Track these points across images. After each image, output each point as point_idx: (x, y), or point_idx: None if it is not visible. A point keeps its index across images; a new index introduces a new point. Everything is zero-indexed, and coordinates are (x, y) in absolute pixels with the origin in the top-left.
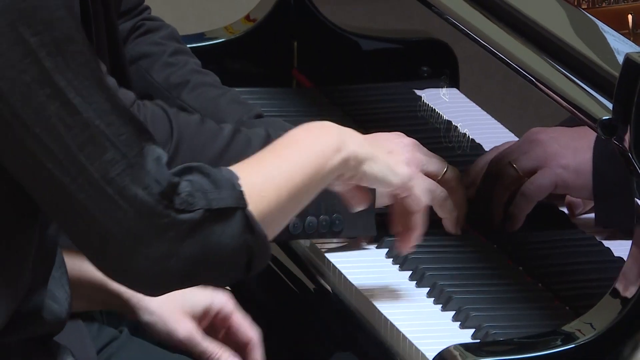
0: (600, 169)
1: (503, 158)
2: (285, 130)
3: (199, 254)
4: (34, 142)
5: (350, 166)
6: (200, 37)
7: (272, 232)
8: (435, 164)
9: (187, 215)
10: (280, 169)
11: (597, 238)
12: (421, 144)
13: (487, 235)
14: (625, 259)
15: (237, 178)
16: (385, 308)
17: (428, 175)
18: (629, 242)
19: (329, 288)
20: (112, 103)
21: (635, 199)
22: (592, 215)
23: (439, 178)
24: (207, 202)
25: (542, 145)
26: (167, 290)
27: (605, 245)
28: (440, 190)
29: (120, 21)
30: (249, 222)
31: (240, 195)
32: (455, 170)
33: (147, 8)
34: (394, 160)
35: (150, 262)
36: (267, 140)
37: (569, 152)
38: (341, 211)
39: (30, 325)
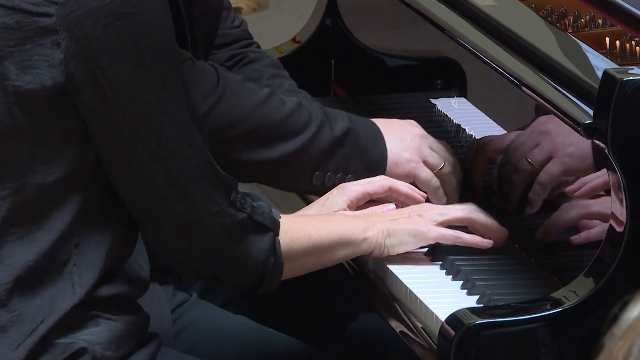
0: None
1: (518, 151)
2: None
3: (230, 251)
4: (132, 134)
5: (378, 243)
6: None
7: (289, 269)
8: (435, 158)
9: (234, 211)
10: (314, 226)
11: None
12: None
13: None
14: (602, 240)
15: (279, 216)
16: (406, 278)
17: (428, 166)
18: (606, 225)
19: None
20: (191, 112)
21: (614, 195)
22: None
23: (436, 171)
24: (252, 211)
25: (550, 136)
26: (189, 271)
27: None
28: (434, 181)
29: (223, 49)
30: (275, 247)
31: (276, 224)
32: (451, 167)
33: (254, 43)
34: (410, 226)
35: (193, 242)
36: (299, 105)
37: (573, 140)
38: (355, 173)
39: (121, 286)
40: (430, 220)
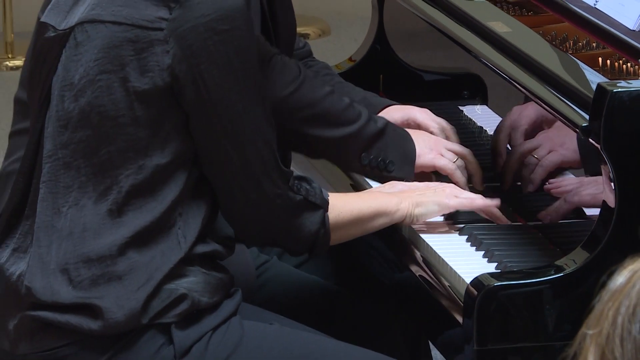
0: (582, 146)
1: (526, 149)
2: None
3: (288, 225)
4: (219, 125)
5: (409, 213)
6: None
7: (335, 237)
8: (449, 155)
9: (292, 194)
10: (356, 203)
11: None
12: (462, 141)
13: (507, 201)
14: (595, 219)
15: (327, 195)
16: (439, 248)
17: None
18: (598, 209)
19: (404, 234)
20: (264, 110)
21: (605, 183)
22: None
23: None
24: (306, 194)
25: (551, 137)
26: (255, 240)
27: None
28: (450, 165)
29: None
30: (324, 221)
31: (325, 202)
32: (461, 161)
33: (311, 54)
34: (435, 198)
35: (260, 216)
36: (352, 104)
37: (567, 139)
38: (395, 162)
39: (213, 245)
40: (451, 195)
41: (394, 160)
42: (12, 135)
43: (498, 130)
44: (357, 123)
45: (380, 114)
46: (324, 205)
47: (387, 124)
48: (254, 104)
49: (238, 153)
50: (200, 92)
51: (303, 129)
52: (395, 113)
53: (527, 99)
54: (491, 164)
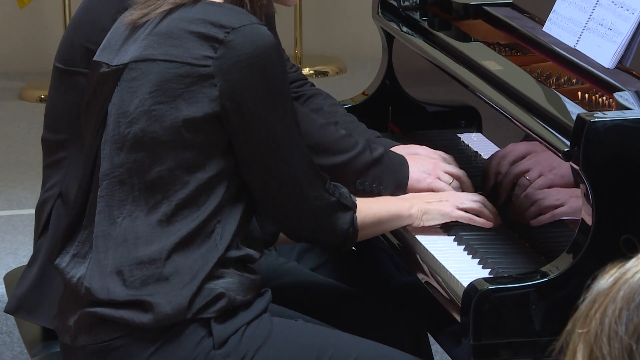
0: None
1: (519, 171)
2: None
3: (324, 223)
4: (262, 144)
5: (417, 217)
6: None
7: (361, 235)
8: (446, 177)
9: (328, 196)
10: (377, 206)
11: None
12: (459, 164)
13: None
14: (575, 228)
15: (355, 199)
16: (439, 256)
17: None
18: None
19: (410, 243)
20: (297, 125)
21: (584, 200)
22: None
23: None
24: (339, 196)
25: (540, 162)
26: (295, 235)
27: (564, 221)
28: (447, 188)
29: None
30: (354, 221)
31: (354, 205)
32: (456, 182)
33: (307, 82)
34: (440, 208)
35: (301, 216)
36: (349, 135)
37: (555, 163)
38: (388, 187)
39: (245, 250)
40: (454, 205)
41: (387, 186)
42: (44, 169)
43: (490, 159)
44: (351, 153)
45: None
46: (353, 207)
47: (384, 153)
48: (290, 121)
49: (281, 165)
50: (244, 118)
51: None
52: (400, 151)
53: (517, 129)
54: (482, 185)
